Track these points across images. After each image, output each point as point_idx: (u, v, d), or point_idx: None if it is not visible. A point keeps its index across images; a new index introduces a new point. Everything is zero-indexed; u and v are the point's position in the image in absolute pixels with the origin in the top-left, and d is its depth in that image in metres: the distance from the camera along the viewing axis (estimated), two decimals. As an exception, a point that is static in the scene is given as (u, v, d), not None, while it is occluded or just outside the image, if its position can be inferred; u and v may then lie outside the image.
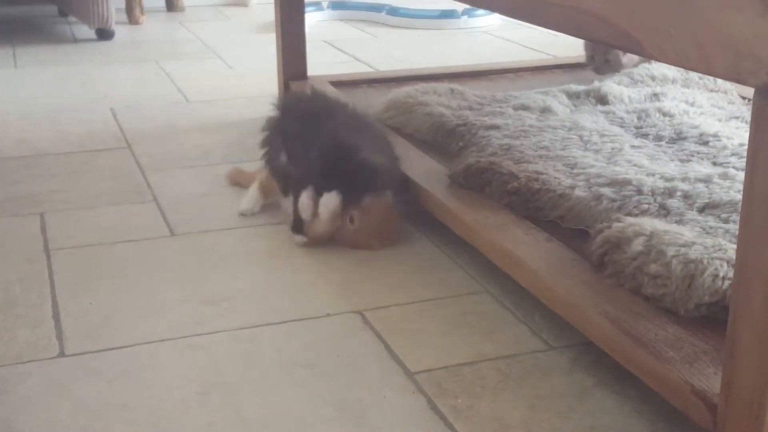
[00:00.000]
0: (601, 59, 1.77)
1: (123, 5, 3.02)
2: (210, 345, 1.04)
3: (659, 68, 1.79)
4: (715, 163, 1.30)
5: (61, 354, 1.02)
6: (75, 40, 2.81)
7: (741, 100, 1.67)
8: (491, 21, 3.08)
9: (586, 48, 1.81)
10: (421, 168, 1.39)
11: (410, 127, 1.57)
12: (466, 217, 1.20)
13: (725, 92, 1.70)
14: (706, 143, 1.38)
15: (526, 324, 1.09)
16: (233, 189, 1.53)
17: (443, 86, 1.72)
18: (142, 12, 3.06)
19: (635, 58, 1.80)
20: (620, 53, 1.76)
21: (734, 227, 1.05)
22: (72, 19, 3.05)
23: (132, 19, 3.05)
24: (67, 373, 0.98)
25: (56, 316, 1.10)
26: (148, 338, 1.06)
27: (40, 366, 1.00)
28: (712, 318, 0.91)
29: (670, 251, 0.97)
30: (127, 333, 1.07)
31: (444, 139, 1.51)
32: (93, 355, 1.02)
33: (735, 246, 0.74)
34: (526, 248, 1.09)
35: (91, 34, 2.80)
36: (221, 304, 1.14)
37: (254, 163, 1.66)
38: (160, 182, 1.56)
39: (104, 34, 2.77)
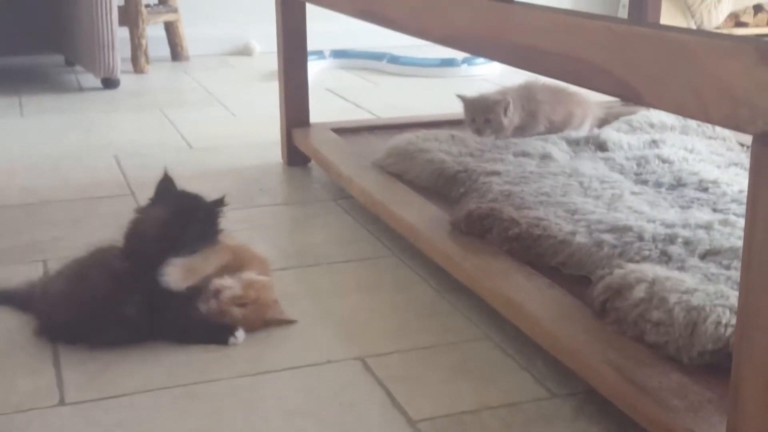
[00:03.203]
0: (482, 120, 1.75)
1: (129, 54, 3.06)
2: (209, 393, 1.04)
3: (658, 115, 1.81)
4: (715, 210, 1.30)
5: (62, 402, 1.02)
6: (81, 89, 2.85)
7: (740, 147, 1.68)
8: (491, 69, 3.11)
9: (466, 110, 1.77)
10: (423, 214, 1.39)
11: (411, 174, 1.58)
12: (467, 264, 1.20)
13: (724, 139, 1.72)
14: (705, 190, 1.39)
15: (528, 371, 1.09)
16: (233, 236, 1.53)
17: (444, 133, 1.73)
18: (147, 61, 3.10)
19: (516, 119, 1.76)
20: (501, 114, 1.73)
21: (736, 274, 1.05)
22: (78, 68, 3.09)
23: (137, 68, 3.09)
24: (67, 422, 0.98)
25: (56, 364, 1.10)
26: (148, 386, 1.05)
27: (40, 414, 0.99)
28: (715, 365, 0.91)
29: (673, 298, 0.97)
30: (126, 380, 1.06)
31: (445, 186, 1.51)
32: (93, 404, 1.01)
33: (737, 293, 0.74)
34: (528, 295, 1.09)
35: (97, 82, 2.83)
36: (220, 351, 1.13)
37: (257, 209, 1.67)
38: (162, 229, 1.57)
39: (110, 83, 2.80)
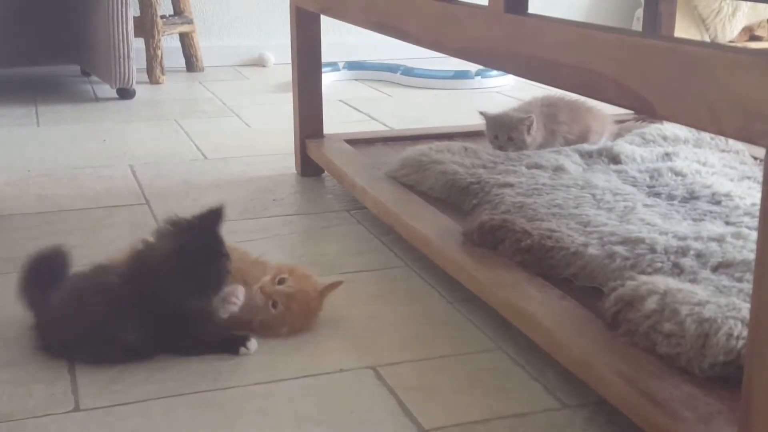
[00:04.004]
0: (505, 137, 1.75)
1: (144, 65, 3.09)
2: (223, 401, 1.04)
3: (671, 128, 1.81)
4: (727, 223, 1.30)
5: (77, 408, 1.03)
6: (96, 99, 2.87)
7: (753, 160, 1.68)
8: (504, 81, 3.12)
9: (489, 127, 1.77)
10: (435, 225, 1.40)
11: (424, 185, 1.59)
12: (479, 275, 1.21)
13: (737, 152, 1.72)
14: (718, 203, 1.39)
15: (539, 382, 1.09)
16: (248, 245, 1.54)
17: (457, 145, 1.74)
18: (162, 72, 3.13)
19: (538, 137, 1.76)
20: (525, 132, 1.73)
21: (748, 286, 1.05)
22: (94, 78, 3.12)
23: (153, 78, 3.11)
24: (81, 428, 0.99)
25: (71, 370, 1.11)
26: (162, 393, 1.06)
27: (55, 421, 1.00)
28: (726, 377, 0.91)
29: (684, 310, 0.97)
30: (141, 388, 1.07)
31: (458, 197, 1.52)
32: (107, 411, 1.02)
33: (749, 305, 0.74)
34: (540, 306, 1.10)
35: (113, 93, 2.86)
36: (234, 359, 1.14)
37: (270, 220, 1.68)
38: (176, 238, 1.58)
39: (125, 93, 2.83)
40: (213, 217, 1.14)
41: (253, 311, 1.18)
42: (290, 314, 1.18)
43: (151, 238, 1.14)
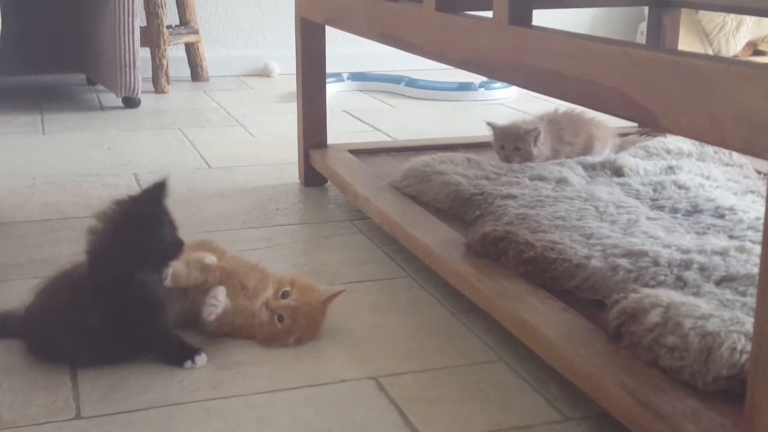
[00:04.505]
0: (511, 147, 1.75)
1: (149, 74, 3.10)
2: (224, 410, 1.04)
3: (674, 142, 1.81)
4: (731, 237, 1.30)
5: (78, 416, 1.02)
6: (102, 108, 2.88)
7: (756, 174, 1.68)
8: (508, 93, 3.13)
9: (496, 138, 1.78)
10: (438, 236, 1.40)
11: (427, 196, 1.59)
12: (481, 286, 1.21)
13: (740, 166, 1.71)
14: (722, 216, 1.39)
15: (541, 394, 1.09)
16: (251, 254, 1.54)
17: (460, 156, 1.74)
18: (168, 81, 3.14)
19: (545, 151, 1.77)
20: (531, 143, 1.73)
21: (751, 300, 1.05)
22: (100, 87, 3.13)
23: (158, 88, 3.12)
24: (82, 435, 0.99)
25: (73, 378, 1.11)
26: (163, 402, 1.06)
27: (57, 428, 1.00)
28: (730, 392, 0.91)
29: (688, 323, 0.97)
30: (142, 396, 1.07)
31: (460, 208, 1.52)
32: (108, 418, 1.02)
33: (752, 319, 0.74)
34: (542, 317, 1.10)
35: (118, 102, 2.86)
36: (236, 368, 1.14)
37: (274, 229, 1.68)
38: (179, 247, 1.58)
39: (130, 102, 2.83)
40: (156, 190, 1.15)
41: (257, 326, 1.19)
42: (297, 326, 1.18)
43: (97, 222, 1.14)
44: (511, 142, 1.75)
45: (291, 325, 1.18)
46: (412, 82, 3.16)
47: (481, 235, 1.31)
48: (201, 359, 1.14)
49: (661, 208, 1.45)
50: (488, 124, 1.81)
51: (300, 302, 1.19)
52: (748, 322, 0.95)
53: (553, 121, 1.83)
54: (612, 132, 1.89)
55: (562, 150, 1.81)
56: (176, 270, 1.15)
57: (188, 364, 1.13)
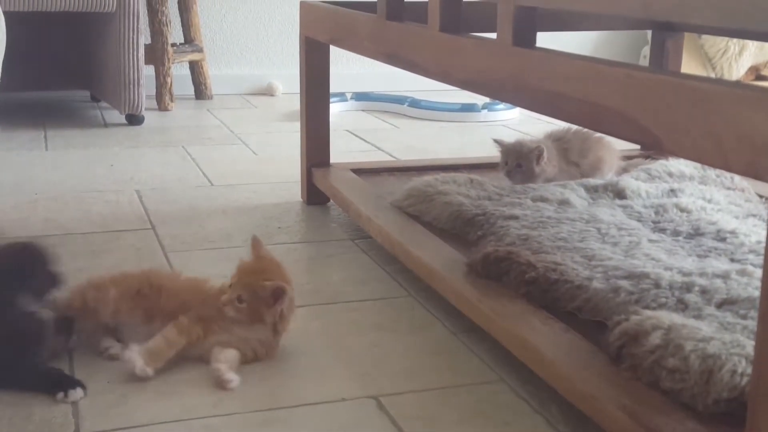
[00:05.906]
0: (514, 164, 1.75)
1: (153, 92, 3.12)
2: (223, 427, 1.04)
3: (677, 165, 1.82)
4: (732, 260, 1.30)
5: None
6: (105, 125, 2.89)
7: (758, 198, 1.68)
8: (511, 115, 3.14)
9: (501, 154, 1.79)
10: (440, 256, 1.40)
11: (429, 216, 1.60)
12: (483, 306, 1.21)
13: (742, 190, 1.72)
14: (723, 240, 1.39)
15: (542, 415, 1.08)
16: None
17: (463, 176, 1.74)
18: (171, 99, 3.15)
19: (549, 171, 1.77)
20: (533, 161, 1.74)
21: (752, 323, 1.04)
22: (103, 104, 3.14)
23: (161, 105, 3.14)
24: (80, 450, 0.98)
25: (73, 393, 1.11)
26: (162, 418, 1.05)
27: (54, 443, 1.00)
28: (730, 414, 0.90)
29: (689, 346, 0.97)
30: (141, 413, 1.06)
31: (463, 228, 1.52)
32: (107, 434, 1.02)
33: (753, 342, 0.74)
34: (543, 338, 1.09)
35: (122, 119, 2.88)
36: (236, 386, 1.14)
37: (275, 247, 1.68)
38: (181, 263, 1.58)
39: (134, 119, 2.85)
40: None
41: (235, 326, 1.18)
42: (260, 301, 1.17)
43: None
44: (514, 159, 1.76)
45: (255, 303, 1.17)
46: (415, 103, 3.17)
47: (483, 256, 1.31)
48: (77, 393, 1.09)
49: (662, 230, 1.45)
50: (495, 141, 1.82)
51: (245, 281, 1.19)
52: (749, 345, 0.95)
53: (562, 140, 1.84)
54: (618, 154, 1.90)
55: (568, 170, 1.81)
56: (156, 349, 1.15)
57: (60, 396, 1.08)
